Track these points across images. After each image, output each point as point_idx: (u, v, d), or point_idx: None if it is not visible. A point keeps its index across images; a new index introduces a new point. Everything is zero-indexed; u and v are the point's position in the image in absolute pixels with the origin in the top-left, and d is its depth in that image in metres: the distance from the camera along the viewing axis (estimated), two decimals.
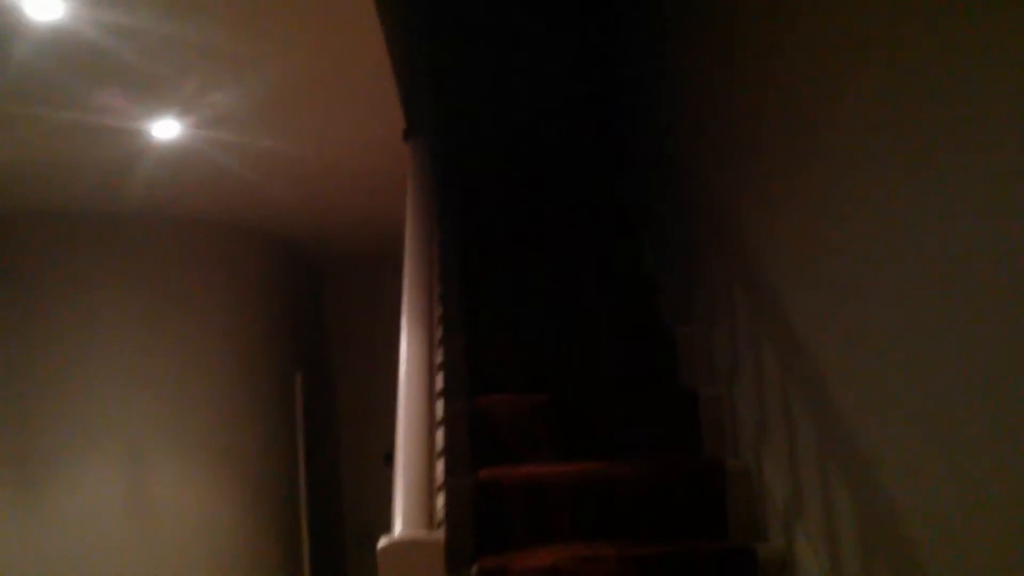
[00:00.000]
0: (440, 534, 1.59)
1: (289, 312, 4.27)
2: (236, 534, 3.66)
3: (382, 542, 1.54)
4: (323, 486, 4.55)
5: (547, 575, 2.34)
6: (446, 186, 3.49)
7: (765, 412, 2.49)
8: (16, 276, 3.48)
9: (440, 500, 2.13)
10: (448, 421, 2.66)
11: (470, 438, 2.82)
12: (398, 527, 1.61)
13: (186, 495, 3.55)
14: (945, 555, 1.61)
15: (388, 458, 4.77)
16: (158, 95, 2.63)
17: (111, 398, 3.47)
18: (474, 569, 2.36)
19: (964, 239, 1.51)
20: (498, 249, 3.61)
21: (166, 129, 2.83)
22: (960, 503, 1.56)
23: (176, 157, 3.00)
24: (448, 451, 2.54)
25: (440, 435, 2.37)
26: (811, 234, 2.16)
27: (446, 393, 2.62)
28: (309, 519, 4.21)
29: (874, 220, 1.83)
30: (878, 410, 1.85)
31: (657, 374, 3.00)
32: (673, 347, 3.03)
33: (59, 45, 2.28)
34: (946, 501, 1.60)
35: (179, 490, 3.54)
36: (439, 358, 2.60)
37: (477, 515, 2.59)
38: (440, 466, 2.29)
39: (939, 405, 1.61)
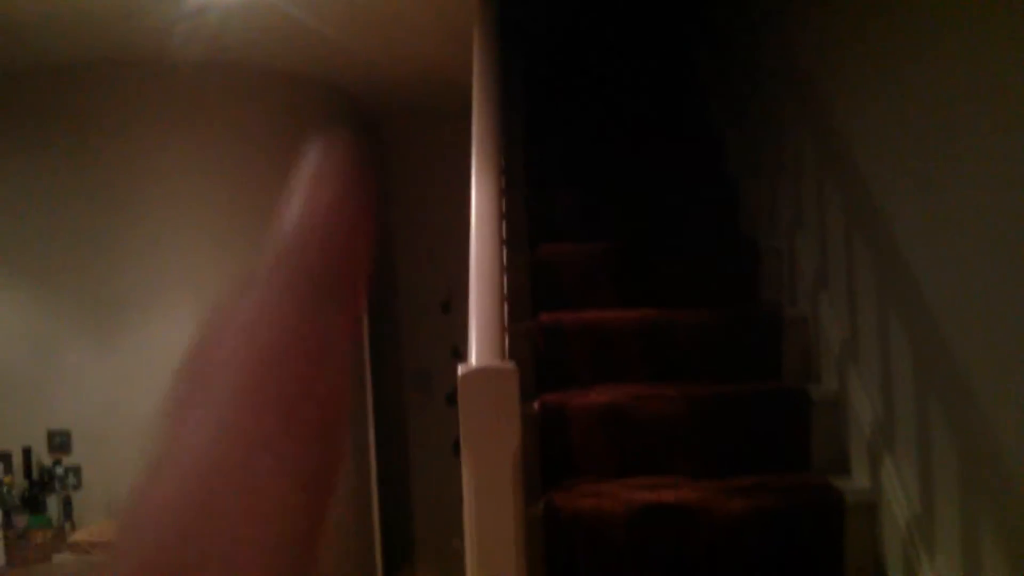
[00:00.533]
0: (513, 364, 1.68)
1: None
2: None
3: (461, 369, 1.64)
4: (383, 330, 4.72)
5: (605, 411, 2.46)
6: (511, 40, 3.47)
7: (826, 260, 2.53)
8: (90, 129, 3.56)
9: (505, 341, 2.22)
10: (510, 269, 2.74)
11: (532, 285, 2.91)
12: (474, 358, 1.70)
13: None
14: (1000, 396, 1.68)
15: (445, 306, 4.92)
16: None
17: (178, 247, 3.60)
18: (536, 404, 2.48)
19: None
20: (561, 102, 3.61)
21: None
22: (1019, 347, 1.61)
23: (244, 5, 3.01)
24: (510, 298, 2.64)
25: (504, 281, 2.45)
26: (890, 78, 2.15)
27: (508, 242, 2.70)
28: (372, 358, 4.39)
29: (963, 69, 1.82)
30: (940, 258, 1.88)
31: (719, 224, 3.05)
32: (736, 198, 3.06)
33: None
34: (1003, 345, 1.66)
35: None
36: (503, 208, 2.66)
37: (538, 356, 2.70)
38: (504, 307, 2.38)
39: (1003, 253, 1.64)
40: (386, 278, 4.87)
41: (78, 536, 3.23)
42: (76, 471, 3.40)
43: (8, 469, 3.36)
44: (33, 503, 3.25)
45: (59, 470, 3.39)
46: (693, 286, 2.86)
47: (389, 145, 4.96)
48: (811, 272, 2.62)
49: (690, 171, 3.29)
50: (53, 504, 3.31)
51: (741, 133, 3.28)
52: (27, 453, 3.30)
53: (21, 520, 3.20)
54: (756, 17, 3.17)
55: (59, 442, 3.40)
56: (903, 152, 2.04)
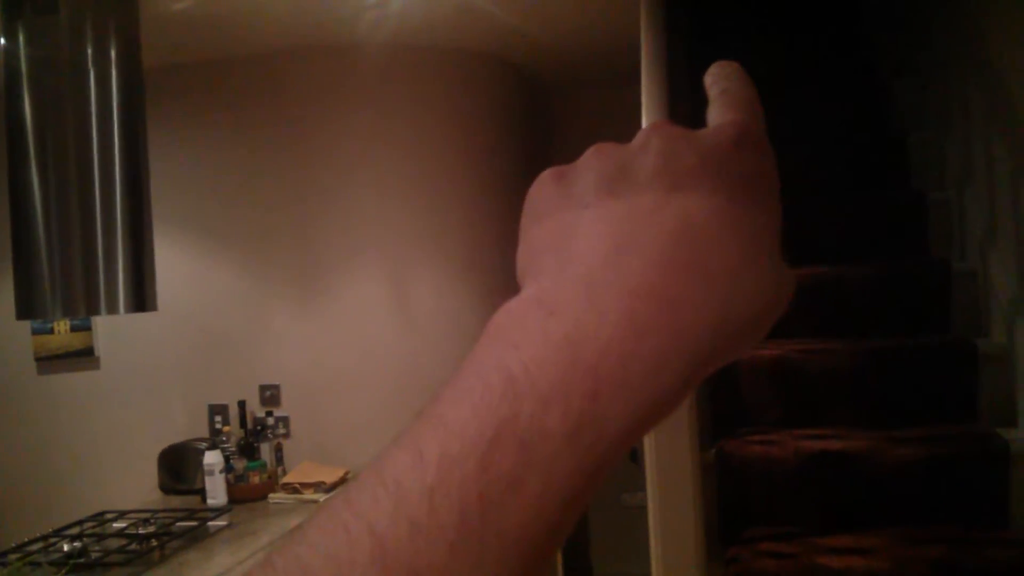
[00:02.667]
0: None
1: (523, 134, 4.54)
2: (478, 328, 4.08)
3: None
4: None
5: (773, 364, 2.58)
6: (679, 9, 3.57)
7: (995, 214, 2.55)
8: (289, 110, 3.90)
9: None
10: None
11: None
12: None
13: (438, 300, 3.99)
14: None
15: None
16: None
17: (375, 217, 3.90)
18: None
19: None
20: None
21: None
22: None
23: None
24: None
25: None
26: None
27: None
28: None
29: None
30: None
31: (888, 179, 3.08)
32: (905, 152, 3.08)
33: None
34: None
35: (432, 296, 3.98)
36: None
37: None
38: None
39: None
40: None
41: (289, 478, 3.60)
42: (285, 421, 3.79)
43: (226, 420, 3.77)
44: (248, 450, 3.64)
45: (270, 420, 3.77)
46: (863, 241, 2.91)
47: (558, 115, 5.13)
48: (980, 226, 2.64)
49: (858, 124, 3.31)
50: (266, 451, 3.70)
51: (909, 85, 3.28)
52: (242, 406, 3.69)
53: (239, 465, 3.59)
54: None
55: (269, 395, 3.78)
56: None
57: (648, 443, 1.88)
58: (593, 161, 0.36)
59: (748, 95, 0.38)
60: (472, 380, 0.31)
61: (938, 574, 2.03)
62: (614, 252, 0.31)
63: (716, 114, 0.36)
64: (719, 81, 0.38)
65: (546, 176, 0.37)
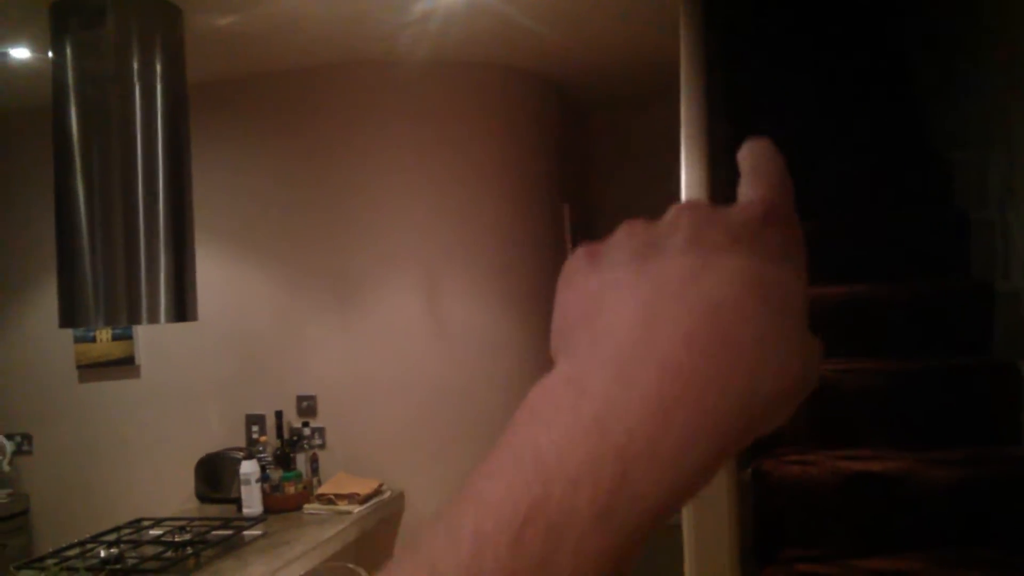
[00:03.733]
0: None
1: (557, 149, 4.55)
2: (512, 343, 4.10)
3: None
4: None
5: None
6: (717, 22, 3.56)
7: None
8: (328, 124, 3.95)
9: None
10: None
11: None
12: None
13: (472, 311, 4.00)
14: None
15: None
16: None
17: (409, 230, 3.92)
18: None
19: None
20: (765, 86, 3.67)
21: None
22: None
23: (463, 8, 3.27)
24: None
25: None
26: None
27: None
28: None
29: None
30: None
31: (930, 197, 3.05)
32: (948, 171, 3.05)
33: None
34: None
35: (466, 307, 3.99)
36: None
37: None
38: None
39: None
40: None
41: (324, 488, 3.62)
42: (321, 432, 3.81)
43: (263, 430, 3.80)
44: (284, 460, 3.67)
45: (306, 431, 3.80)
46: (904, 260, 2.88)
47: (594, 132, 5.15)
48: (1022, 242, 2.61)
49: (899, 142, 3.29)
50: (301, 461, 3.73)
51: (948, 101, 3.24)
52: (279, 416, 3.73)
53: (275, 475, 3.62)
54: None
55: (306, 406, 3.81)
56: None
57: None
58: (624, 238, 0.36)
59: (777, 171, 0.38)
60: (507, 458, 0.31)
61: None
62: (643, 328, 0.31)
63: (746, 190, 0.37)
64: (749, 157, 0.39)
65: (580, 252, 0.38)
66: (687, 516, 2.01)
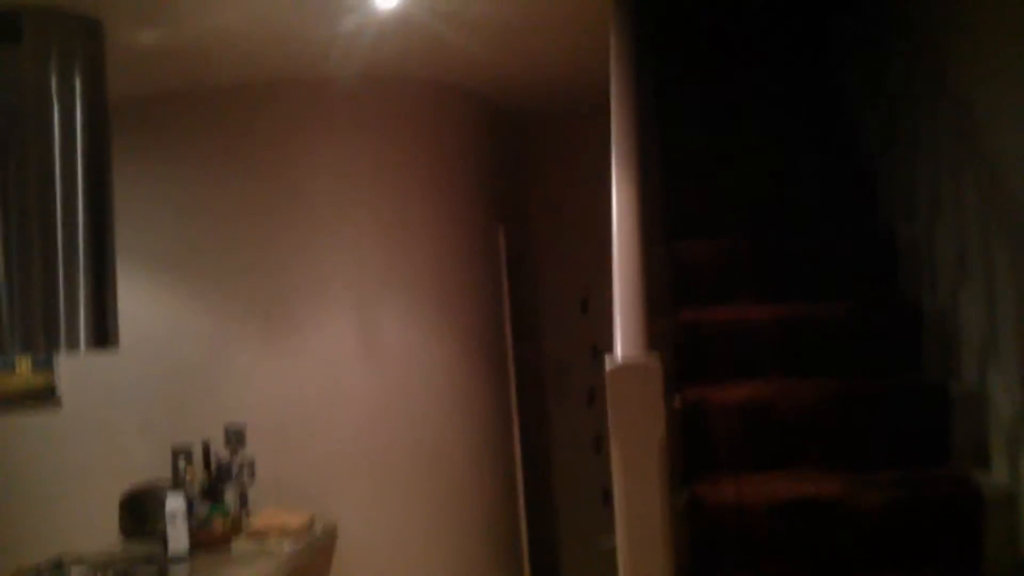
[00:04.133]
0: (657, 358, 1.79)
1: (493, 168, 4.52)
2: (451, 368, 4.04)
3: (608, 364, 1.77)
4: (525, 329, 4.89)
5: (743, 406, 2.55)
6: (648, 43, 3.57)
7: (964, 252, 2.54)
8: (255, 143, 3.87)
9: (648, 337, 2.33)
10: (649, 265, 2.85)
11: (671, 281, 3.01)
12: (620, 352, 1.82)
13: (407, 335, 3.94)
14: None
15: (584, 305, 5.05)
16: None
17: (342, 252, 3.85)
18: (676, 399, 2.59)
19: None
20: (696, 105, 3.69)
21: None
22: None
23: (396, 24, 3.23)
24: (649, 294, 2.74)
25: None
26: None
27: (647, 240, 2.80)
28: (514, 356, 4.57)
29: None
30: None
31: (857, 213, 3.07)
32: (874, 185, 3.08)
33: None
34: None
35: (401, 331, 3.93)
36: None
37: (678, 352, 2.81)
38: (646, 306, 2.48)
39: None
40: (525, 279, 5.04)
41: (253, 523, 3.51)
42: (251, 463, 3.70)
43: (190, 461, 3.68)
44: (212, 493, 3.55)
45: (235, 463, 3.68)
46: (830, 278, 2.90)
47: (529, 148, 5.13)
48: (950, 265, 2.63)
49: (825, 159, 3.32)
50: (230, 494, 3.61)
51: (874, 116, 3.28)
52: (206, 447, 3.61)
53: (202, 509, 3.51)
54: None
55: (235, 435, 3.69)
56: None
57: (617, 489, 1.83)
58: None
59: None
60: None
61: None
62: None
63: None
64: None
65: None
66: (621, 542, 1.97)
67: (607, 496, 4.42)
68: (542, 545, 4.96)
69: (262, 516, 3.55)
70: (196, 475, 3.61)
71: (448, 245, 4.07)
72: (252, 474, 3.70)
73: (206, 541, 3.47)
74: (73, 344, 2.82)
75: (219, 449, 3.68)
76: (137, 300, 3.65)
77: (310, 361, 3.80)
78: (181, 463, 3.68)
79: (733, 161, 3.35)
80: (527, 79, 4.17)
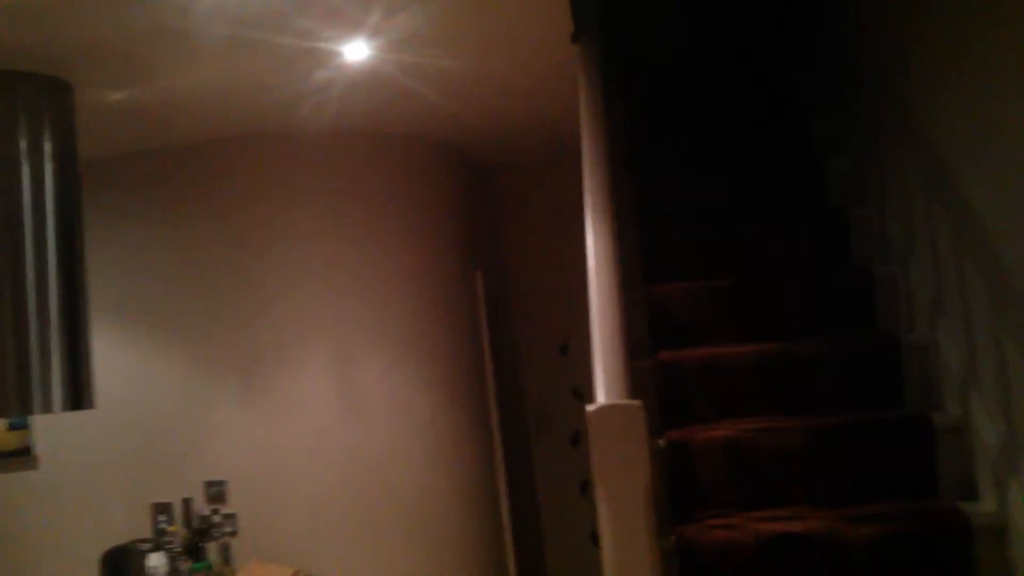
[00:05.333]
0: (639, 401, 1.78)
1: (467, 216, 4.53)
2: (434, 418, 4.01)
3: (590, 408, 1.76)
4: (506, 374, 4.87)
5: (727, 445, 2.54)
6: (615, 85, 3.61)
7: (940, 287, 2.56)
8: (226, 199, 3.86)
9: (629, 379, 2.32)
10: (627, 309, 2.85)
11: (649, 323, 3.01)
12: (602, 396, 1.81)
13: (388, 386, 3.91)
14: None
15: (563, 349, 5.04)
16: (349, 19, 2.86)
17: (318, 305, 3.84)
18: (660, 440, 2.58)
19: None
20: (666, 144, 3.72)
21: (356, 52, 3.07)
22: None
23: (365, 78, 3.25)
24: (628, 339, 2.74)
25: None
26: (987, 104, 2.20)
27: (624, 283, 2.80)
28: (497, 401, 4.54)
29: None
30: None
31: (831, 255, 3.09)
32: (847, 227, 3.10)
33: None
34: None
35: (382, 381, 3.90)
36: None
37: (659, 394, 2.80)
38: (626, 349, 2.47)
39: None
40: (504, 325, 5.03)
41: None
42: (232, 519, 3.65)
43: (171, 519, 3.62)
44: (194, 550, 3.50)
45: (216, 518, 3.64)
46: (809, 318, 2.91)
47: (502, 195, 5.15)
48: (927, 299, 2.65)
49: (798, 201, 3.34)
50: (212, 550, 3.56)
51: (846, 158, 3.32)
52: (187, 503, 3.56)
53: (184, 567, 3.45)
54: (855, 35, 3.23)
55: (215, 491, 3.65)
56: (1006, 173, 2.09)
57: (604, 532, 1.81)
58: None
59: None
60: None
61: None
62: None
63: None
64: None
65: None
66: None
67: (595, 538, 4.38)
68: None
69: (246, 571, 3.50)
70: (177, 533, 3.56)
71: (426, 293, 4.07)
72: (234, 530, 3.65)
73: None
74: (47, 406, 2.78)
75: (200, 506, 3.62)
76: (114, 358, 3.62)
77: (290, 415, 3.77)
78: (162, 520, 3.62)
79: (708, 210, 3.37)
80: (497, 130, 4.21)
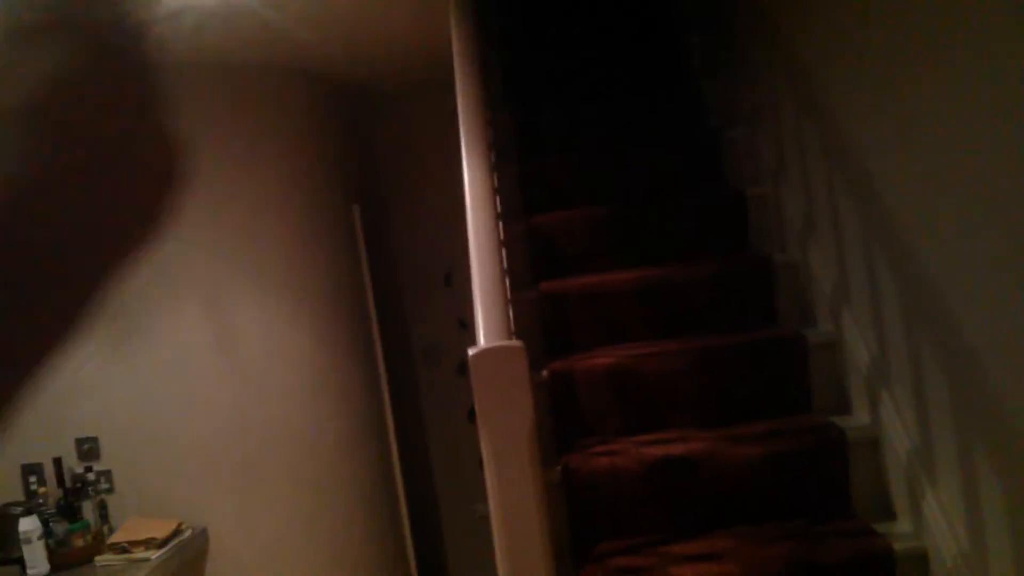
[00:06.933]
0: (521, 342, 1.75)
1: (342, 149, 4.38)
2: (315, 358, 3.92)
3: (471, 351, 1.72)
4: (389, 308, 4.80)
5: (610, 372, 2.55)
6: (488, 15, 3.51)
7: (811, 206, 2.60)
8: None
9: (511, 317, 2.29)
10: (508, 241, 2.81)
11: (530, 254, 2.98)
12: (483, 337, 1.77)
13: (266, 327, 3.79)
14: (984, 327, 1.76)
15: (447, 279, 4.99)
16: None
17: (187, 248, 3.66)
18: (544, 372, 2.57)
19: None
20: (541, 58, 3.65)
21: None
22: (1000, 278, 1.69)
23: (219, 8, 3.05)
24: (510, 269, 2.71)
25: (503, 255, 2.51)
26: (845, 13, 2.20)
27: (503, 215, 2.76)
28: (381, 336, 4.47)
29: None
30: (919, 197, 1.95)
31: (706, 177, 3.11)
32: (719, 150, 3.12)
33: None
34: (985, 277, 1.73)
35: (259, 324, 3.78)
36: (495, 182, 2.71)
37: (543, 324, 2.79)
38: (506, 282, 2.44)
39: (978, 187, 1.71)
40: (386, 256, 4.94)
41: (116, 536, 3.33)
42: (107, 475, 3.50)
43: (41, 480, 3.46)
44: (69, 510, 3.35)
45: (91, 476, 3.49)
46: (685, 242, 2.93)
47: (379, 122, 5.00)
48: (798, 218, 2.69)
49: (674, 123, 3.34)
50: (88, 509, 3.41)
51: (720, 81, 3.33)
52: (58, 463, 3.39)
53: (60, 528, 3.30)
54: None
55: (88, 448, 3.49)
56: (877, 95, 2.11)
57: (489, 474, 1.79)
58: None
59: None
60: None
61: (790, 572, 2.03)
62: None
63: None
64: None
65: None
66: (496, 520, 1.94)
67: (483, 463, 4.42)
68: (423, 516, 4.93)
69: (125, 528, 3.38)
70: (50, 493, 3.40)
71: (299, 229, 3.93)
72: (110, 487, 3.51)
73: (68, 560, 3.29)
74: None
75: (73, 464, 3.47)
76: None
77: (161, 365, 3.61)
78: (32, 481, 3.46)
79: (585, 137, 3.34)
80: (363, 57, 4.03)
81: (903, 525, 2.15)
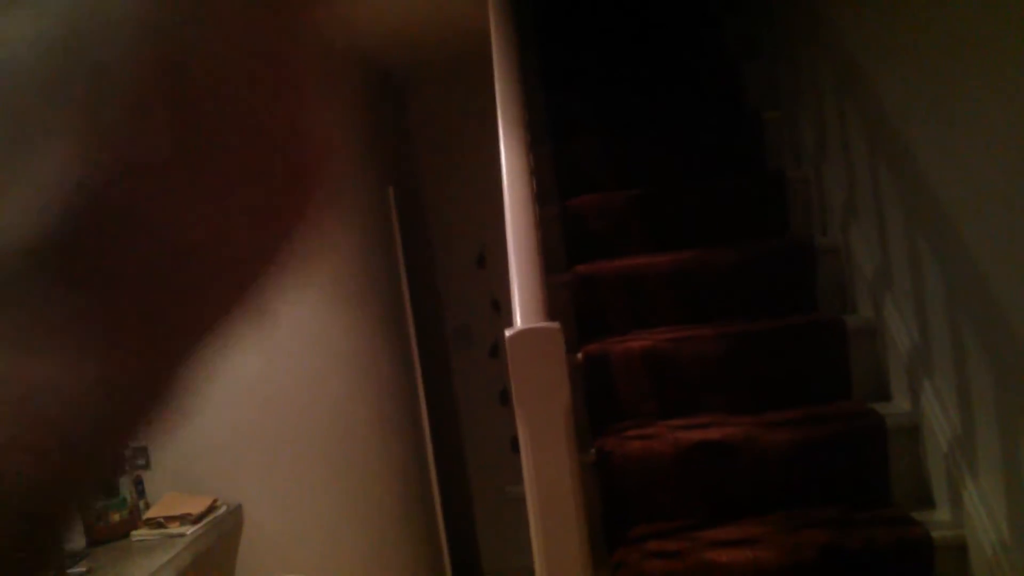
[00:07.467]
0: (557, 323, 1.74)
1: (378, 131, 4.38)
2: (348, 334, 3.94)
3: (508, 332, 1.71)
4: (423, 290, 4.80)
5: (645, 356, 2.53)
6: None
7: (853, 190, 2.56)
8: None
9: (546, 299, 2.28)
10: (543, 222, 2.79)
11: (565, 236, 2.97)
12: (519, 319, 1.77)
13: (300, 307, 3.81)
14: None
15: (480, 260, 4.99)
16: None
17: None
18: (579, 355, 2.56)
19: None
20: (577, 43, 3.62)
21: None
22: None
23: None
24: (545, 251, 2.69)
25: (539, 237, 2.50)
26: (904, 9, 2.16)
27: (539, 196, 2.74)
28: (414, 317, 4.48)
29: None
30: (965, 179, 1.92)
31: (745, 159, 3.07)
32: (760, 131, 3.08)
33: None
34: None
35: (294, 303, 3.79)
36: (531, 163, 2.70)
37: (577, 307, 2.77)
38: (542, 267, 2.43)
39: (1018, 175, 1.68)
40: (420, 237, 4.94)
41: (152, 512, 3.37)
42: (144, 451, 3.54)
43: None
44: (106, 486, 3.39)
45: (127, 452, 3.53)
46: (725, 224, 2.90)
47: (413, 104, 5.00)
48: (840, 202, 2.65)
49: (712, 106, 3.30)
50: (125, 485, 3.45)
51: (759, 63, 3.28)
52: None
53: (97, 503, 3.35)
54: None
55: None
56: (920, 78, 2.06)
57: (525, 456, 1.79)
58: None
59: None
60: None
61: (825, 558, 2.01)
62: None
63: None
64: None
65: None
66: (532, 501, 1.94)
67: (515, 445, 4.41)
68: (455, 497, 4.94)
69: (161, 503, 3.42)
70: None
71: (335, 209, 3.93)
72: (147, 463, 3.55)
73: (103, 535, 3.32)
74: None
75: None
76: None
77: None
78: None
79: (623, 119, 3.30)
80: (402, 36, 4.02)
81: (942, 514, 2.12)
